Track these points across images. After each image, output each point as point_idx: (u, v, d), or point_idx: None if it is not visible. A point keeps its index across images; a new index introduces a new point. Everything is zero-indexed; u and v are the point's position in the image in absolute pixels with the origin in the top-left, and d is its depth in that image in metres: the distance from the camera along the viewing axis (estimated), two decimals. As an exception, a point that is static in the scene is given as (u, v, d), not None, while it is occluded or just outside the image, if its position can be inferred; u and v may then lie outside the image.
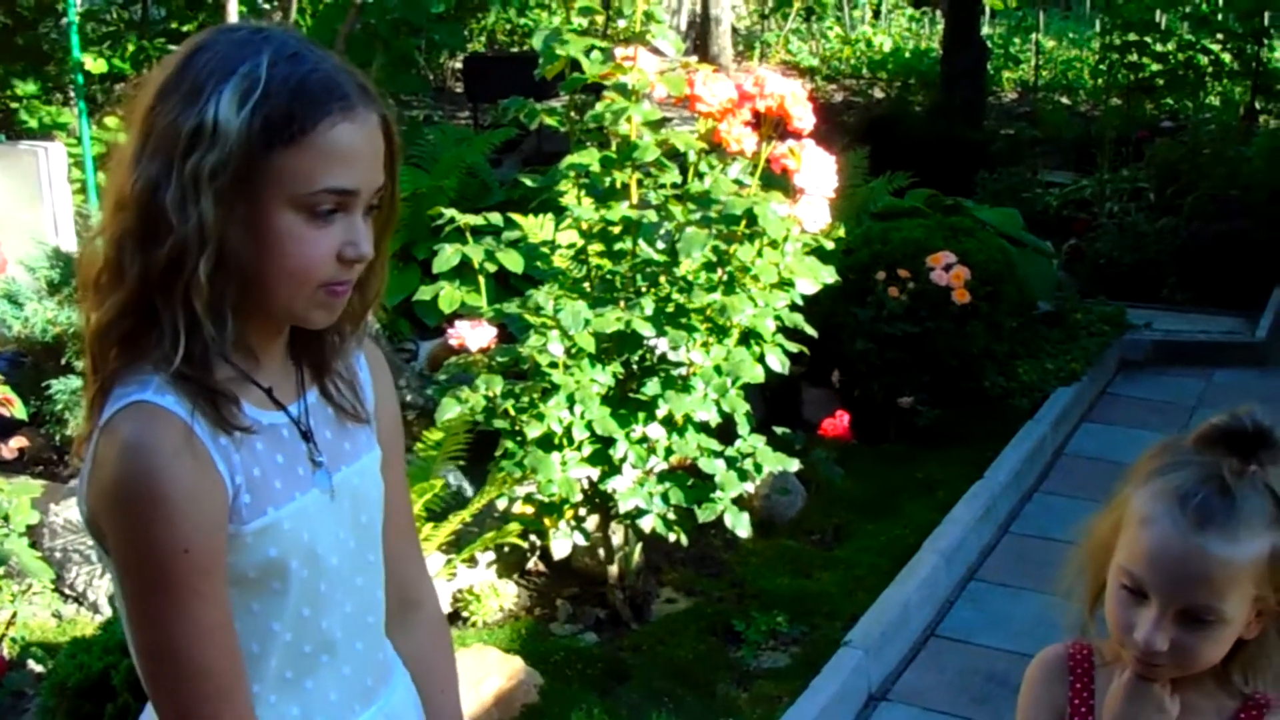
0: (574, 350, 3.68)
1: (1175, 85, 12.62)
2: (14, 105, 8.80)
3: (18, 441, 4.51)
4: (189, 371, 1.47)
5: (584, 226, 3.95)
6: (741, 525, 3.91)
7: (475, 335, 3.78)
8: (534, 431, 3.75)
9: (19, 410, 4.13)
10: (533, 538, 4.41)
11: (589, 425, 3.77)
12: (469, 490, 4.65)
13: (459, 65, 15.39)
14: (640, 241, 3.92)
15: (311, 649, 1.62)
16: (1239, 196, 8.74)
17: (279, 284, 1.49)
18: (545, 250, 4.18)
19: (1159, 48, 12.77)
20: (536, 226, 4.41)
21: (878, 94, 15.24)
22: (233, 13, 6.45)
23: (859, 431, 5.71)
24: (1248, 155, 9.42)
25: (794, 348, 4.03)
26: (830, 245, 3.99)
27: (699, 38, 16.83)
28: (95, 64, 8.78)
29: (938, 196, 7.95)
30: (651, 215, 3.85)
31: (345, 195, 1.48)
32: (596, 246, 4.02)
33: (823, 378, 5.99)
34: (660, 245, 3.93)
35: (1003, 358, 6.34)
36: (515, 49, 16.92)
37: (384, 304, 1.70)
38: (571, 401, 3.73)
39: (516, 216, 4.42)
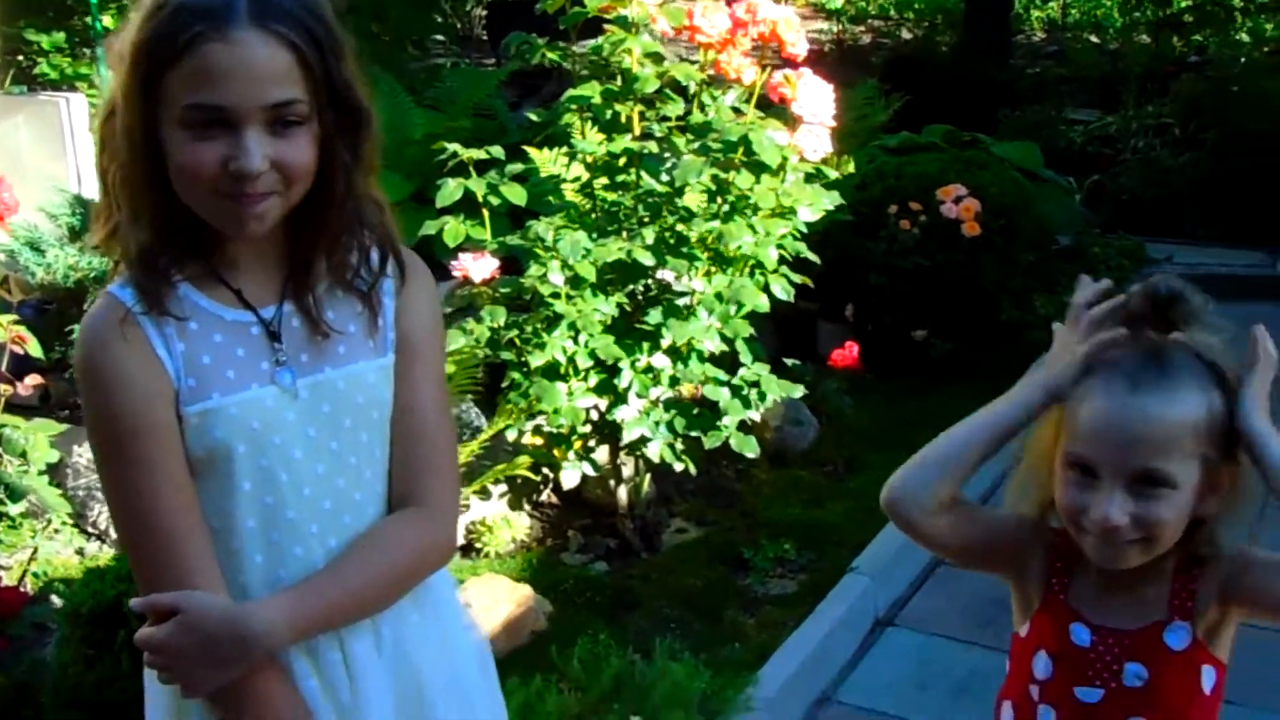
0: (575, 280, 3.72)
1: (1204, 21, 12.47)
2: (38, 59, 8.85)
3: (33, 379, 4.59)
4: (145, 266, 1.63)
5: (588, 159, 3.98)
6: (749, 448, 3.95)
7: (478, 267, 3.82)
8: (538, 360, 3.80)
9: (34, 349, 4.20)
10: (544, 470, 4.46)
11: (592, 354, 3.81)
12: (483, 423, 4.69)
13: (484, 13, 15.33)
14: (643, 173, 3.95)
15: (279, 538, 1.69)
16: (1264, 131, 8.64)
17: (181, 192, 1.59)
18: (552, 184, 4.22)
19: (1187, -18, 12.64)
20: (548, 161, 4.41)
21: (905, 35, 15.10)
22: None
23: (873, 365, 5.73)
24: (1274, 90, 9.31)
25: (798, 278, 4.05)
26: (834, 174, 4.00)
27: (724, -17, 16.64)
28: (114, 19, 8.82)
29: (955, 132, 7.92)
30: (653, 147, 3.88)
31: (216, 111, 1.54)
32: (602, 180, 4.05)
33: (838, 313, 6.01)
34: (664, 178, 3.96)
35: (1019, 291, 6.32)
36: (540, -4, 16.81)
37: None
38: (575, 330, 3.78)
39: (530, 149, 4.44)
